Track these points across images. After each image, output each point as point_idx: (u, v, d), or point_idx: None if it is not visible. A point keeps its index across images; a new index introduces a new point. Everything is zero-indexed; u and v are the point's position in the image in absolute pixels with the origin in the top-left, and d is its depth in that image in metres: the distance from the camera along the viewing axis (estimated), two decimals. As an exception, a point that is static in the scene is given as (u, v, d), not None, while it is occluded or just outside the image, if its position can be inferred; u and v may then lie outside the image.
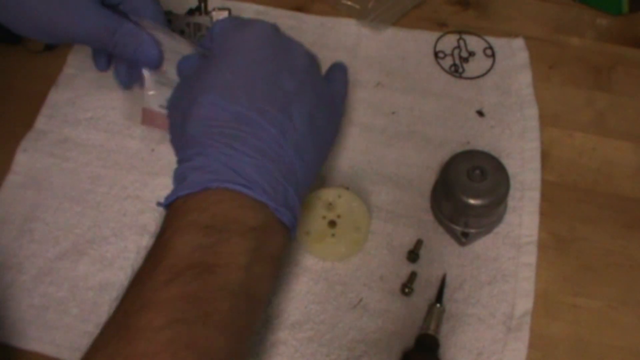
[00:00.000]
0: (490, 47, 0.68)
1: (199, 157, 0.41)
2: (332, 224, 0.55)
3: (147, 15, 0.53)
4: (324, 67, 0.65)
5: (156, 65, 0.52)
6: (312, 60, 0.47)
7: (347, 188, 0.57)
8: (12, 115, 0.62)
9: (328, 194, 0.55)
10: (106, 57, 0.58)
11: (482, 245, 0.56)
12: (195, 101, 0.42)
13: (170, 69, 0.54)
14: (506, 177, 0.54)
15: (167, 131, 0.51)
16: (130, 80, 0.58)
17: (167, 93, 0.52)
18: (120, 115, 0.61)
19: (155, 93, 0.54)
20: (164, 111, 0.53)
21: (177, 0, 0.67)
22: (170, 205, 0.41)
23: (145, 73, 0.54)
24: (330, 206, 0.55)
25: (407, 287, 0.53)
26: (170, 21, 0.60)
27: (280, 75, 0.43)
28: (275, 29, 0.46)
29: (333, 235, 0.54)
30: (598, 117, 0.64)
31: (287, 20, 0.69)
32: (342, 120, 0.53)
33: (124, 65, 0.57)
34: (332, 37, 0.68)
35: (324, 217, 0.55)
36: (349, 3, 0.70)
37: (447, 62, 0.67)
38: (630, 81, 0.66)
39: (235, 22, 0.47)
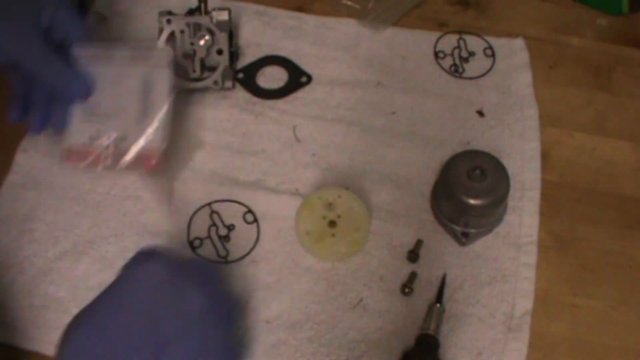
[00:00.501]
0: (490, 47, 0.68)
1: None
2: (332, 224, 0.55)
3: (77, 37, 0.54)
4: (324, 67, 0.66)
5: (83, 98, 0.54)
6: (211, 305, 0.42)
7: (347, 188, 0.57)
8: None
9: (328, 194, 0.55)
10: (22, 104, 0.56)
11: (482, 245, 0.56)
12: (74, 327, 0.40)
13: (104, 99, 0.55)
14: (506, 177, 0.54)
15: (96, 168, 0.53)
16: (45, 122, 0.56)
17: (100, 124, 0.53)
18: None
19: (79, 129, 0.54)
20: (92, 143, 0.53)
21: (177, 0, 0.67)
22: None
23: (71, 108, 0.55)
24: (330, 206, 0.55)
25: (407, 287, 0.53)
26: (169, 21, 0.60)
27: (162, 321, 0.40)
28: (174, 270, 0.42)
29: (333, 235, 0.54)
30: (598, 117, 0.64)
31: (287, 20, 0.69)
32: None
33: (41, 110, 0.55)
34: (332, 37, 0.68)
35: (324, 217, 0.55)
36: (349, 3, 0.70)
37: (447, 62, 0.67)
38: (630, 81, 0.66)
39: (138, 257, 0.44)
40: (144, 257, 0.43)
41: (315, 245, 0.54)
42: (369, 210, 0.56)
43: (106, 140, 0.54)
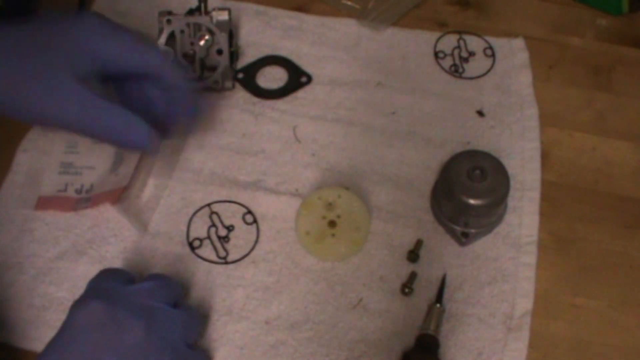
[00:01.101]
0: (490, 47, 0.68)
1: None
2: (332, 224, 0.55)
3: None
4: (324, 67, 0.66)
5: (147, 148, 0.50)
6: (148, 335, 0.42)
7: (347, 188, 0.57)
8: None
9: (328, 194, 0.55)
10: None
11: (482, 245, 0.56)
12: None
13: (81, 155, 0.57)
14: (506, 177, 0.54)
15: (64, 213, 0.55)
16: None
17: (74, 175, 0.57)
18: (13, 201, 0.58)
19: (51, 181, 0.57)
20: (63, 194, 0.56)
21: (177, 0, 0.67)
22: None
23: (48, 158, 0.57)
24: (330, 206, 0.55)
25: (407, 287, 0.53)
26: (169, 21, 0.60)
27: (101, 354, 0.41)
28: (112, 306, 0.42)
29: (333, 235, 0.54)
30: (598, 117, 0.64)
31: (287, 20, 0.69)
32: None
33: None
34: (332, 37, 0.68)
35: (324, 217, 0.55)
36: (349, 3, 0.70)
37: (447, 62, 0.67)
38: (630, 81, 0.66)
39: (85, 294, 0.45)
40: (88, 294, 0.44)
41: (315, 246, 0.54)
42: (369, 210, 0.56)
43: (76, 191, 0.57)
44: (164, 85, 0.51)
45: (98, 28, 0.49)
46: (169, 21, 0.60)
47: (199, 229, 0.56)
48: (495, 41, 0.68)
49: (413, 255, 0.55)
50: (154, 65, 0.50)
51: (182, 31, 0.61)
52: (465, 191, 0.53)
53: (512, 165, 0.58)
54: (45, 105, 0.46)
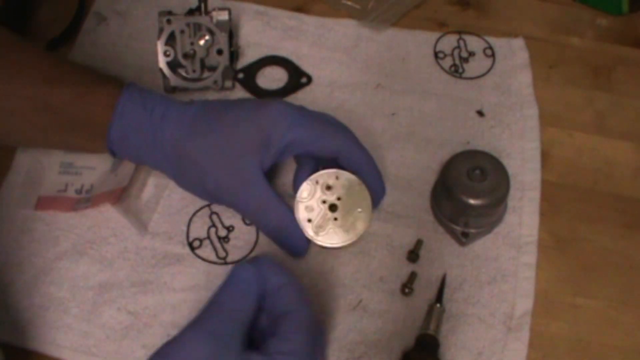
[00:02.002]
0: (490, 47, 0.68)
1: None
2: (333, 207, 0.53)
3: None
4: (324, 68, 0.66)
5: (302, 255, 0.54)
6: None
7: (342, 168, 0.54)
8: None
9: (326, 178, 0.53)
10: None
11: (482, 245, 0.56)
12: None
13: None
14: (506, 177, 0.54)
15: (64, 213, 0.55)
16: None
17: (74, 176, 0.57)
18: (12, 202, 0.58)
19: (52, 181, 0.57)
20: (63, 194, 0.56)
21: (177, 0, 0.67)
22: None
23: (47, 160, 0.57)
24: (329, 189, 0.53)
25: (407, 287, 0.53)
26: (169, 21, 0.60)
27: None
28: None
29: (335, 219, 0.52)
30: (598, 117, 0.64)
31: (287, 21, 0.69)
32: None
33: None
34: (332, 38, 0.68)
35: (324, 202, 0.53)
36: (349, 3, 0.70)
37: (447, 62, 0.67)
38: (630, 81, 0.66)
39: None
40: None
41: (319, 233, 0.52)
42: (368, 188, 0.54)
43: (76, 191, 0.57)
44: (354, 165, 0.53)
45: (286, 113, 0.51)
46: (169, 21, 0.60)
47: (199, 229, 0.56)
48: (495, 41, 0.68)
49: (413, 255, 0.55)
50: (344, 147, 0.52)
51: (182, 31, 0.61)
52: (465, 191, 0.53)
53: (512, 165, 0.58)
54: (234, 195, 0.51)
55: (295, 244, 0.53)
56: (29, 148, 0.58)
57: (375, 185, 0.54)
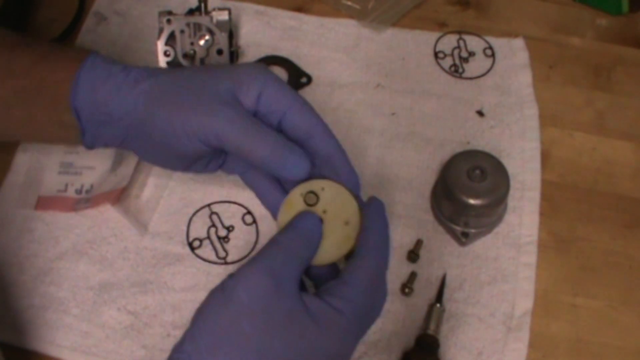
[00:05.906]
0: (490, 47, 0.68)
1: None
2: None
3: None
4: (324, 67, 0.66)
5: (302, 177, 0.48)
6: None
7: (330, 179, 0.48)
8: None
9: (311, 188, 0.47)
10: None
11: (482, 245, 0.56)
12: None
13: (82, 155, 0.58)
14: (506, 177, 0.54)
15: (64, 213, 0.55)
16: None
17: (73, 176, 0.57)
18: (12, 203, 0.57)
19: (51, 181, 0.57)
20: (63, 194, 0.56)
21: (177, 0, 0.67)
22: None
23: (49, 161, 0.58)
24: (314, 200, 0.46)
25: (407, 287, 0.53)
26: (169, 21, 0.60)
27: None
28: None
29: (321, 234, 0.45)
30: (598, 117, 0.64)
31: (287, 21, 0.69)
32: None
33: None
34: (332, 38, 0.68)
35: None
36: (349, 3, 0.70)
37: (447, 62, 0.67)
38: (630, 81, 0.66)
39: None
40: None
41: None
42: (356, 199, 0.48)
43: (76, 191, 0.57)
44: (320, 144, 0.49)
45: (262, 71, 0.48)
46: (169, 21, 0.60)
47: (199, 229, 0.56)
48: (495, 41, 0.68)
49: (413, 255, 0.55)
50: (313, 121, 0.48)
51: (182, 31, 0.61)
52: (465, 191, 0.53)
53: (512, 165, 0.58)
54: (205, 117, 0.46)
55: (294, 162, 0.46)
56: None
57: (346, 171, 0.49)
